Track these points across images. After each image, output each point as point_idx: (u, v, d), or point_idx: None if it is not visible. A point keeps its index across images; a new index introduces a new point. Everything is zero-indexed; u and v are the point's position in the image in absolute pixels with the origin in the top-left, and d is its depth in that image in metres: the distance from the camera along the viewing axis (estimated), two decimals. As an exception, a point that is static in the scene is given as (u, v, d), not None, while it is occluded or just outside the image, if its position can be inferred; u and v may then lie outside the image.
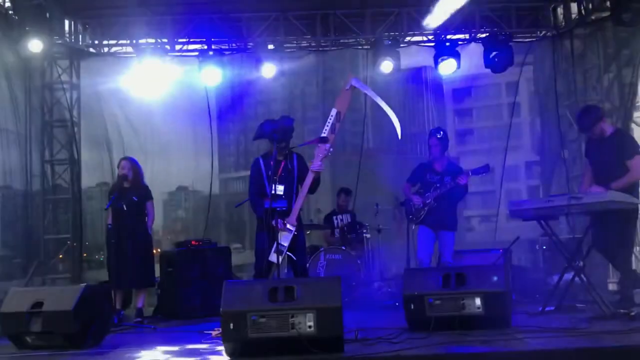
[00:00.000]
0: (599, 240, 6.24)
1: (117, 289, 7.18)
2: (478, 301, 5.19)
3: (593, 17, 9.37)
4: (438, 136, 7.32)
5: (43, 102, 9.67)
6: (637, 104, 9.54)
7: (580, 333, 4.94)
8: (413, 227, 7.49)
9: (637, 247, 8.82)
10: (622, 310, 5.69)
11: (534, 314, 6.08)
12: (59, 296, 5.34)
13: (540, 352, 4.39)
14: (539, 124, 11.04)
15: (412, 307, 5.35)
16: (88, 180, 10.21)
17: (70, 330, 5.12)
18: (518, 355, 4.40)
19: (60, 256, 9.62)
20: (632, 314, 5.57)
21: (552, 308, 6.17)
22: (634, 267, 6.85)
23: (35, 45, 8.43)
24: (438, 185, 7.17)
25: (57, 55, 9.73)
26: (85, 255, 10.01)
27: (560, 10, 9.88)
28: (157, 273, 7.82)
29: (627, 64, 9.08)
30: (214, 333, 5.62)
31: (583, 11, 9.44)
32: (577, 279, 6.14)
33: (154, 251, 7.83)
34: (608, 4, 8.86)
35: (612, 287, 8.38)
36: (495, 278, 5.27)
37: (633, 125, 9.33)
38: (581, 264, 6.09)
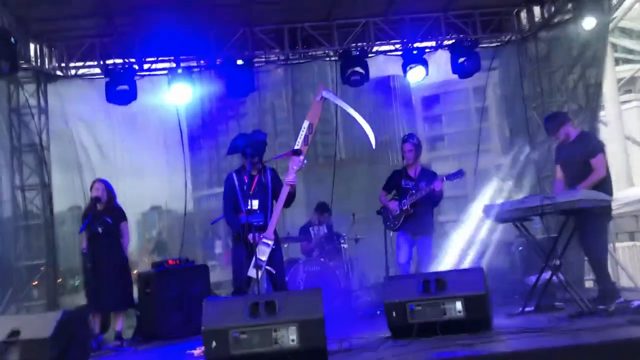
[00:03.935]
0: (578, 238, 6.34)
1: (96, 313, 7.07)
2: (459, 305, 5.23)
3: (556, 20, 9.54)
4: (412, 142, 7.40)
5: (11, 127, 9.50)
6: (602, 104, 9.71)
7: (560, 331, 4.98)
8: (391, 234, 7.52)
9: (611, 244, 8.98)
10: (600, 307, 5.77)
11: (514, 315, 6.13)
12: (36, 324, 5.24)
13: (522, 352, 4.41)
14: (507, 127, 11.19)
15: (394, 314, 5.37)
16: (60, 204, 10.05)
17: (48, 358, 5.02)
18: (501, 356, 4.43)
19: (35, 282, 9.44)
20: (611, 309, 5.65)
21: (532, 308, 6.22)
22: (609, 267, 6.95)
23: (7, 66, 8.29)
24: (413, 191, 7.23)
25: (23, 79, 9.58)
26: (60, 280, 9.85)
27: (523, 15, 10.05)
28: (135, 294, 7.73)
29: (591, 64, 9.25)
30: (196, 352, 5.57)
31: (546, 14, 9.61)
32: (554, 278, 6.20)
33: (134, 272, 7.74)
34: (570, 6, 9.03)
35: (588, 284, 8.51)
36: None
37: (599, 125, 9.50)
38: (558, 262, 6.16)
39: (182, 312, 7.58)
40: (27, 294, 9.32)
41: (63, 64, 9.74)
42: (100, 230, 7.07)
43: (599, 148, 6.45)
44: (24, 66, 9.32)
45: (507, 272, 9.34)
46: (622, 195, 13.54)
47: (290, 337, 4.41)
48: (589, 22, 8.56)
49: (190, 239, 11.72)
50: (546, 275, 6.32)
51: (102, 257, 7.05)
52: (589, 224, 6.17)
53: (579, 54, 9.41)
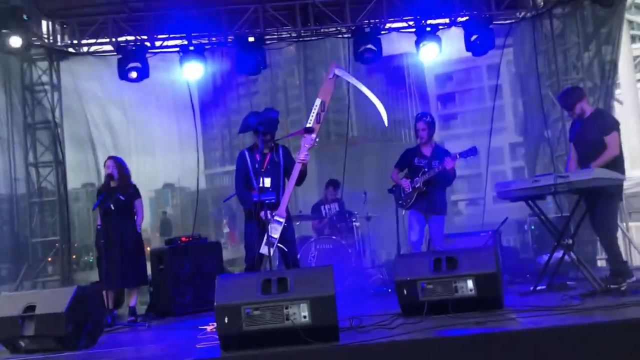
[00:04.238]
0: (589, 217, 6.32)
1: (109, 289, 7.14)
2: (470, 283, 5.23)
3: (571, -4, 9.41)
4: (426, 120, 7.35)
5: (24, 104, 9.56)
6: (618, 82, 9.61)
7: (572, 310, 4.98)
8: (403, 213, 7.52)
9: (624, 223, 8.94)
10: (613, 286, 5.76)
11: (525, 293, 6.14)
12: (51, 299, 5.32)
13: (534, 330, 4.41)
14: (521, 105, 11.10)
15: (405, 292, 5.38)
16: (73, 181, 10.14)
17: (63, 332, 5.10)
18: (512, 334, 4.43)
19: (49, 259, 9.56)
20: (623, 288, 5.64)
21: (544, 287, 6.23)
22: (622, 246, 6.92)
23: (14, 41, 8.31)
24: (426, 169, 7.20)
25: (36, 56, 9.63)
26: (74, 256, 9.96)
27: (538, -9, 9.91)
28: (149, 271, 7.80)
29: (606, 42, 9.14)
30: (209, 328, 5.62)
31: (561, -10, 9.47)
32: (566, 257, 6.19)
33: (147, 248, 7.81)
34: (585, -18, 8.91)
35: (601, 263, 8.48)
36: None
37: (615, 103, 9.41)
38: (570, 241, 6.14)
39: (194, 288, 7.65)
40: (42, 270, 9.44)
41: (75, 41, 9.75)
42: (112, 207, 7.12)
43: (614, 126, 6.39)
44: (37, 43, 9.35)
45: (519, 250, 9.36)
46: (636, 174, 13.44)
47: (302, 313, 4.44)
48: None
49: (203, 216, 11.79)
50: (558, 254, 6.31)
51: (116, 233, 7.11)
52: (600, 203, 6.13)
53: (594, 31, 9.29)
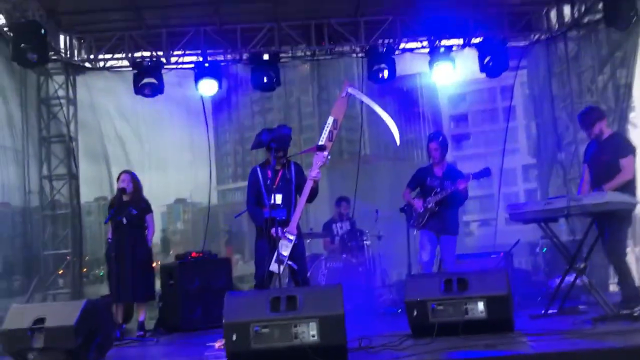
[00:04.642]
0: (601, 241, 6.27)
1: (119, 303, 7.15)
2: (481, 305, 5.19)
3: (586, 20, 9.42)
4: (438, 140, 7.35)
5: (40, 117, 9.66)
6: (632, 105, 9.57)
7: (583, 335, 4.94)
8: (414, 232, 7.49)
9: (637, 248, 8.85)
10: (625, 311, 5.69)
11: (536, 316, 6.09)
12: (61, 312, 5.32)
13: (544, 354, 4.37)
14: (534, 127, 11.07)
15: (415, 313, 5.35)
16: (86, 194, 10.21)
17: (72, 345, 5.09)
18: (523, 358, 4.40)
19: (61, 271, 9.59)
20: (636, 314, 5.57)
21: (555, 310, 6.16)
22: (634, 271, 6.85)
23: (31, 55, 8.40)
24: (438, 190, 7.18)
25: (52, 70, 9.74)
26: (85, 270, 9.99)
27: (553, 14, 9.93)
28: (158, 286, 7.80)
29: (621, 65, 9.12)
30: (217, 345, 5.61)
31: (576, 14, 9.49)
32: (578, 280, 6.14)
33: (154, 264, 7.81)
34: (600, 6, 8.90)
35: (613, 288, 8.39)
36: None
37: (629, 127, 9.36)
38: (582, 265, 6.09)
39: (204, 304, 7.63)
40: (53, 283, 9.48)
41: (92, 56, 9.87)
42: (124, 221, 7.14)
43: (631, 149, 6.36)
44: (54, 57, 9.46)
45: (530, 273, 9.29)
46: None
47: (310, 332, 4.42)
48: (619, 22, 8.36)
49: (214, 232, 11.81)
50: (570, 277, 6.25)
51: (126, 247, 7.13)
52: (610, 226, 6.09)
53: (609, 54, 9.29)
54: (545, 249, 8.89)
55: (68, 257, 9.58)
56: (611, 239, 6.19)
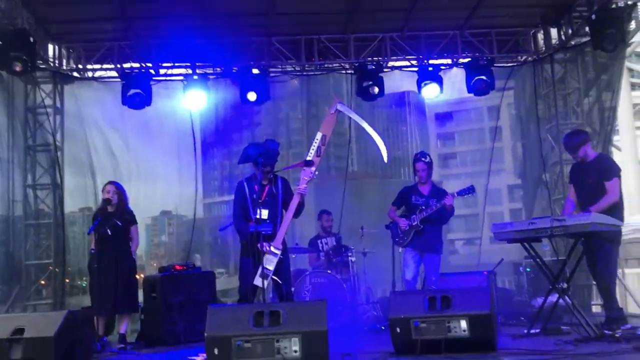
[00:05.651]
0: (587, 262, 6.31)
1: (100, 315, 7.08)
2: (464, 324, 5.20)
3: (573, 42, 9.53)
4: (425, 160, 7.39)
5: (26, 126, 9.58)
6: (617, 128, 9.68)
7: (566, 355, 4.95)
8: (399, 250, 7.50)
9: (620, 270, 8.90)
10: (607, 332, 5.72)
11: (519, 336, 6.09)
12: (41, 322, 5.26)
13: (526, 374, 4.38)
14: (520, 147, 11.15)
15: (398, 330, 5.34)
16: (71, 205, 10.10)
17: (51, 357, 5.03)
18: (504, 378, 4.39)
19: (42, 282, 9.49)
20: (618, 335, 5.60)
21: (538, 330, 6.18)
22: (617, 293, 6.89)
23: (18, 63, 8.36)
24: (423, 207, 7.22)
25: (40, 79, 9.68)
26: (67, 280, 9.88)
27: (540, 36, 10.05)
28: (141, 298, 7.74)
29: (607, 88, 9.23)
30: (198, 359, 5.56)
31: (563, 36, 9.61)
32: (561, 301, 6.16)
33: (138, 276, 7.75)
34: (587, 29, 9.02)
35: (595, 309, 8.44)
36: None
37: (613, 149, 9.46)
38: (565, 285, 6.12)
39: (186, 318, 7.56)
40: (35, 293, 9.36)
41: (80, 66, 9.84)
42: (109, 232, 7.09)
43: (616, 172, 6.42)
44: (42, 66, 9.42)
45: (514, 292, 9.31)
46: (634, 220, 13.44)
47: (292, 347, 4.40)
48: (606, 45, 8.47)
49: (199, 245, 11.74)
50: (553, 297, 6.27)
51: (110, 259, 7.07)
52: (598, 249, 6.14)
53: (595, 78, 9.40)
54: (528, 268, 8.93)
55: (50, 267, 9.49)
56: (600, 261, 6.23)
